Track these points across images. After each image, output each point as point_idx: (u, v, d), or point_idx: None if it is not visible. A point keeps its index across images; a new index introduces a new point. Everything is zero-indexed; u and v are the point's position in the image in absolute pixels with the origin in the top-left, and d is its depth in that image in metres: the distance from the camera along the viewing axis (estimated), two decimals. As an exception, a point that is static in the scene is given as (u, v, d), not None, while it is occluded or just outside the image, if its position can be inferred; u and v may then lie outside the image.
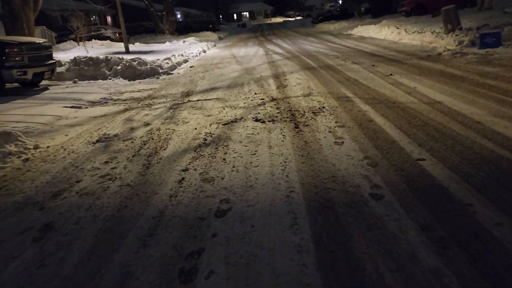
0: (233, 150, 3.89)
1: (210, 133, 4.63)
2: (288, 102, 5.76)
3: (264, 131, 4.42)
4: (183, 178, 3.31)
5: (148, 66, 11.06)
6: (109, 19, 43.20)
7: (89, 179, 3.52)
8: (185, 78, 9.84)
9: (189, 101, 6.80)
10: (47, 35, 23.56)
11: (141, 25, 37.80)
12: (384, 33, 16.27)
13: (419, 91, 5.69)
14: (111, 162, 3.93)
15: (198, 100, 6.79)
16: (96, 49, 19.29)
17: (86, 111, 6.75)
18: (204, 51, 17.59)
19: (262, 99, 6.22)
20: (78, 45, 19.73)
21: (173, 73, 10.99)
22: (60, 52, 18.21)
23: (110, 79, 10.53)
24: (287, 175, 3.13)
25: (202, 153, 3.91)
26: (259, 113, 5.30)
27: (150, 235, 2.45)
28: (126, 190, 3.19)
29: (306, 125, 4.47)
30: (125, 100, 7.51)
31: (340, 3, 56.84)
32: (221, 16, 70.95)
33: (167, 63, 12.18)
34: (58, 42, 23.22)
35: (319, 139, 3.94)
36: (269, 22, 68.45)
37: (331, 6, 63.17)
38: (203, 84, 8.47)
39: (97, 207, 2.93)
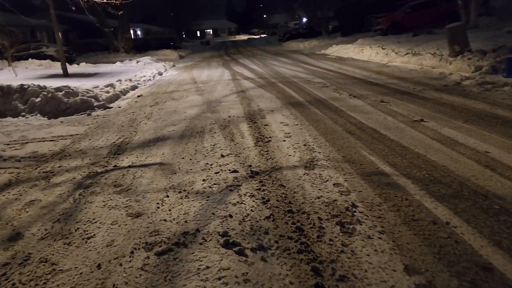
0: None
1: (124, 292, 2.06)
2: (282, 184, 3.27)
3: (248, 298, 1.91)
4: None
5: (79, 97, 8.34)
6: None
7: None
8: (125, 116, 7.21)
9: (115, 167, 4.20)
10: (-25, 53, 20.22)
11: (95, 42, 34.87)
12: (367, 54, 14.29)
13: (503, 161, 3.36)
14: None
15: (130, 166, 4.20)
16: (30, 71, 16.25)
17: None
18: (160, 74, 14.98)
19: (235, 171, 3.71)
20: (9, 65, 16.62)
21: (111, 107, 8.31)
22: (-16, 75, 15.05)
23: (23, 116, 7.74)
24: None
25: None
26: (230, 215, 2.78)
27: None
28: None
29: (342, 278, 1.99)
30: (21, 159, 4.81)
31: (305, 21, 55.89)
32: (184, 33, 68.47)
33: (107, 92, 9.49)
34: (-10, 61, 19.95)
35: None
36: (233, 39, 66.65)
37: (295, 24, 62.06)
38: (146, 130, 5.88)
39: None
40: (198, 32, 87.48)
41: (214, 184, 3.43)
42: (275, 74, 11.76)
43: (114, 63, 18.58)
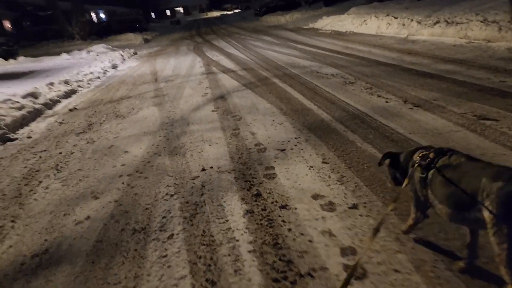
0: None
1: None
2: None
3: None
4: None
5: (-36, 125, 5.25)
6: (7, 24, 35.21)
7: None
8: (25, 162, 4.17)
9: None
10: None
11: (50, 29, 30.84)
12: (373, 26, 11.34)
13: None
14: None
15: None
16: None
17: None
18: (115, 67, 11.73)
19: None
20: None
21: (15, 138, 5.23)
22: None
23: None
24: None
25: None
26: None
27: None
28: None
29: None
30: None
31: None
32: (153, 14, 63.77)
33: (20, 107, 6.34)
34: None
35: None
36: (206, 17, 62.39)
37: (269, -4, 58.00)
38: (37, 212, 2.89)
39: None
40: (168, 11, 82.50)
41: None
42: (264, 61, 8.73)
43: (59, 54, 15.11)
